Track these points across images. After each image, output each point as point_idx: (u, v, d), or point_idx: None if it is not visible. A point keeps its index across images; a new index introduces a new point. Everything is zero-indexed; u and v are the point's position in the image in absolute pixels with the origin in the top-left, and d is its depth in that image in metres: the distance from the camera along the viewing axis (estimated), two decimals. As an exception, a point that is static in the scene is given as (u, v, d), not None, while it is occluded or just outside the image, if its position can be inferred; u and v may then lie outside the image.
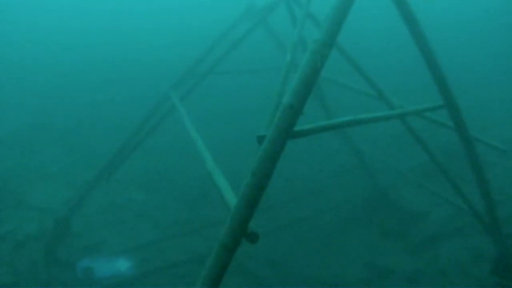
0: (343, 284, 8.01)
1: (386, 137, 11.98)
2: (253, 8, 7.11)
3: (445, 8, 18.27)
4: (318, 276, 8.21)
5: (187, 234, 9.32)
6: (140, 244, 8.83)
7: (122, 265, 8.15)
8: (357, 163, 9.57)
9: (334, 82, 7.22)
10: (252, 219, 3.42)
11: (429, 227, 8.71)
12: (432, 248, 8.29)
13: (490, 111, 12.64)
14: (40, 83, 14.63)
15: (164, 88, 7.70)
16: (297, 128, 3.44)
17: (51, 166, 10.41)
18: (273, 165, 3.24)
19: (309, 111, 3.85)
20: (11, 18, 18.15)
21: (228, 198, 3.70)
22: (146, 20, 18.85)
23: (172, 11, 19.63)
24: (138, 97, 14.28)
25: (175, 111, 6.97)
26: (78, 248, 8.32)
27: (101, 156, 11.36)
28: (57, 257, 7.95)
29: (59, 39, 16.73)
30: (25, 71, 15.13)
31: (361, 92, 6.42)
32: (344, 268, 8.50)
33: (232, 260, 9.72)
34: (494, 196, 5.65)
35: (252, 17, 7.16)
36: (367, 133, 10.65)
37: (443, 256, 8.03)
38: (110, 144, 12.03)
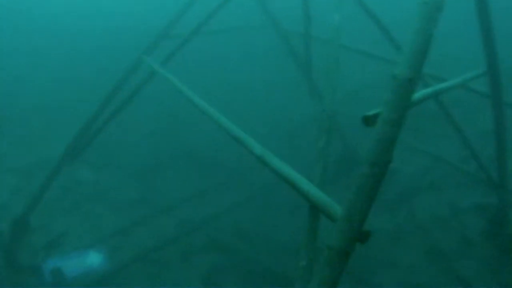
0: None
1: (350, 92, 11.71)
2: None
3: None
4: (292, 242, 8.03)
5: (153, 216, 8.61)
6: (105, 232, 7.98)
7: (93, 259, 7.30)
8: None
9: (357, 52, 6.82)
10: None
11: (401, 182, 8.79)
12: (408, 204, 8.39)
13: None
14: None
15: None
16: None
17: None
18: (393, 149, 2.76)
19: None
20: None
21: (310, 192, 3.32)
22: None
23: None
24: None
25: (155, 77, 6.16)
26: (39, 246, 7.26)
27: (39, 138, 10.02)
28: (19, 262, 6.85)
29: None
30: None
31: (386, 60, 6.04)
32: (321, 231, 8.37)
33: (203, 235, 9.01)
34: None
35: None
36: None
37: (420, 211, 8.17)
38: (46, 123, 10.63)
